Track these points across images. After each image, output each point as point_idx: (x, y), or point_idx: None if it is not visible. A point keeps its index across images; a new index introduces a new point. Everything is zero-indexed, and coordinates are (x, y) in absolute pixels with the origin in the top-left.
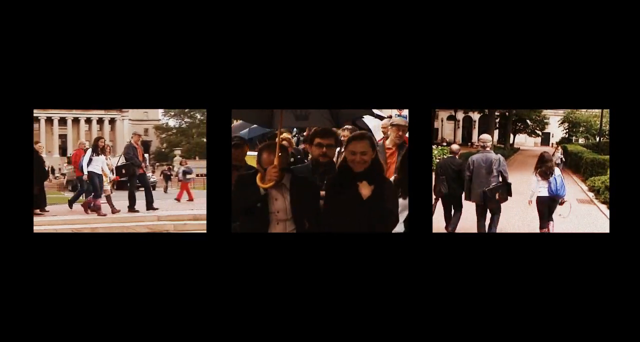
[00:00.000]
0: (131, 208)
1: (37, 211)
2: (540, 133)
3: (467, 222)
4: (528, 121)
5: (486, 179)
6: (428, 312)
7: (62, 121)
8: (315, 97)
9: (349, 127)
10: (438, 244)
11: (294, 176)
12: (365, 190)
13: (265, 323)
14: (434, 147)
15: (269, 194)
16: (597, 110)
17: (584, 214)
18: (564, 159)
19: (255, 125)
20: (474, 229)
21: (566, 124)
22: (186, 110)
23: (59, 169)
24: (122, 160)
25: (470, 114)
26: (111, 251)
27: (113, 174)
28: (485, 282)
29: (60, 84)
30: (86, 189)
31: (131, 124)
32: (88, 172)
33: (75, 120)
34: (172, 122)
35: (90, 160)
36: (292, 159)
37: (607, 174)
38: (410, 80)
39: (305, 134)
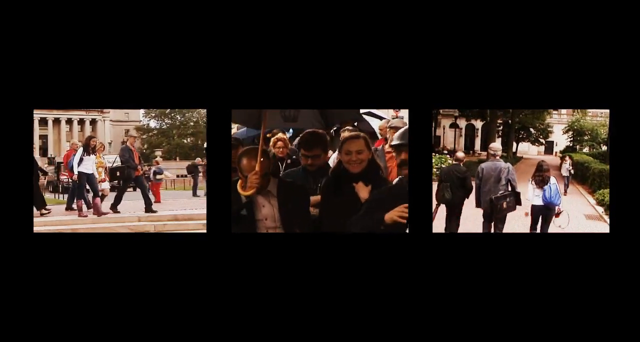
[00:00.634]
0: (114, 208)
1: (43, 211)
2: (543, 142)
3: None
4: (531, 129)
5: (495, 187)
6: (428, 313)
7: (43, 122)
8: (315, 97)
9: (350, 127)
10: (438, 244)
11: (281, 181)
12: (362, 192)
13: (266, 323)
14: (433, 155)
15: (254, 201)
16: (603, 118)
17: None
18: (572, 172)
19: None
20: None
21: (570, 133)
22: (167, 111)
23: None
24: (117, 163)
25: (473, 121)
26: (111, 251)
27: (106, 174)
28: (485, 283)
29: (60, 84)
30: (77, 189)
31: (112, 125)
32: (78, 172)
33: (56, 121)
34: (153, 123)
35: (81, 159)
36: (288, 161)
37: None
38: (410, 80)
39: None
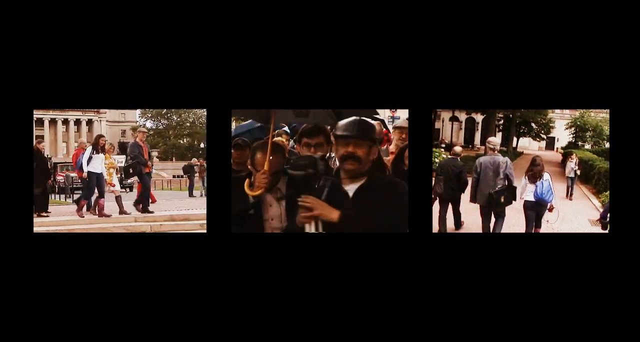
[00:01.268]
0: (145, 209)
1: (43, 213)
2: (544, 137)
3: (468, 223)
4: (533, 124)
5: (493, 182)
6: (428, 313)
7: (39, 122)
8: (314, 97)
9: None
10: (438, 244)
11: (291, 179)
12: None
13: (266, 323)
14: None
15: (263, 200)
16: (607, 115)
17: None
18: (578, 173)
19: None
20: (475, 230)
21: (573, 129)
22: (163, 111)
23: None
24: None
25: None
26: (111, 251)
27: (119, 175)
28: (485, 282)
29: (60, 84)
30: (87, 188)
31: (108, 126)
32: (87, 171)
33: (53, 121)
34: (149, 124)
35: (90, 158)
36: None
37: None
38: (410, 80)
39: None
